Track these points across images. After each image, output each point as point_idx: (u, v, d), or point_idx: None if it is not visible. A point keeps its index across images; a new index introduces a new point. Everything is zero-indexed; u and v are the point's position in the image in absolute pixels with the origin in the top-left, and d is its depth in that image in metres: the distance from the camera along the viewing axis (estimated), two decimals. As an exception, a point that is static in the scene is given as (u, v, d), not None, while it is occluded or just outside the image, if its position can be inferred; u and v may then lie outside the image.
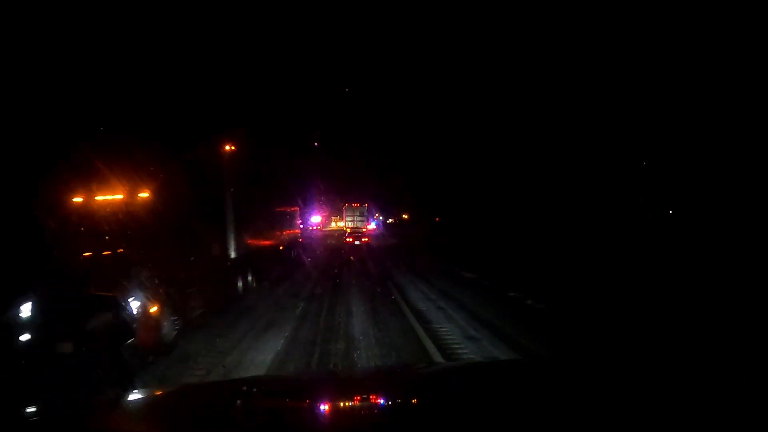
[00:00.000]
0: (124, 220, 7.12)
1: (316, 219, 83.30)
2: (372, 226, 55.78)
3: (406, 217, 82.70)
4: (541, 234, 25.89)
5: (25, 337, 5.11)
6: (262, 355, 7.05)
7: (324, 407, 1.98)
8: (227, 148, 11.44)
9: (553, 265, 15.34)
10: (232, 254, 11.33)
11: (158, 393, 2.66)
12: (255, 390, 2.38)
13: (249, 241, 12.80)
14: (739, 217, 16.31)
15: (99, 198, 7.20)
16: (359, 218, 46.91)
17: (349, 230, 42.47)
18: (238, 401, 2.10)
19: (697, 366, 2.63)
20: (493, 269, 16.70)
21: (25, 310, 5.17)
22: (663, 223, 23.40)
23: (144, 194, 7.70)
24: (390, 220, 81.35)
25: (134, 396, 2.45)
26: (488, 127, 36.12)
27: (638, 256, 15.64)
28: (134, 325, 6.40)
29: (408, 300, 11.61)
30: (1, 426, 1.54)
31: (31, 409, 2.20)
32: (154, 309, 6.92)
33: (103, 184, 7.12)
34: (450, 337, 8.15)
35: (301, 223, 25.86)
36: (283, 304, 11.26)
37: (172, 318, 7.50)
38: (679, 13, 21.34)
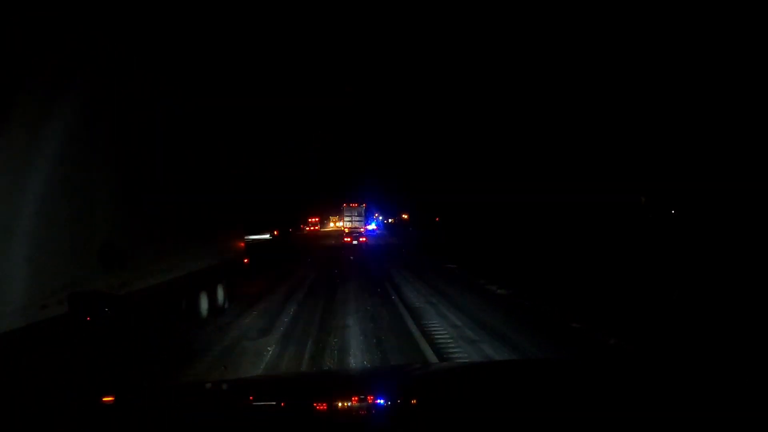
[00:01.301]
0: None
1: (313, 220, 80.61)
2: (372, 226, 54.59)
3: (405, 217, 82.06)
4: (548, 233, 24.97)
5: None
6: None
7: (322, 408, 1.95)
8: None
9: (582, 274, 13.28)
10: None
11: (156, 393, 2.46)
12: (253, 390, 2.32)
13: None
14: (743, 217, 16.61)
15: None
16: (357, 218, 46.96)
17: (347, 230, 42.48)
18: (237, 401, 2.02)
19: (701, 366, 2.44)
20: (521, 280, 13.30)
21: None
22: (665, 222, 23.99)
23: None
24: (390, 220, 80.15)
25: (132, 395, 2.23)
26: (488, 120, 35.12)
27: (643, 257, 15.15)
28: None
29: (434, 340, 7.57)
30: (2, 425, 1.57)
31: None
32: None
33: None
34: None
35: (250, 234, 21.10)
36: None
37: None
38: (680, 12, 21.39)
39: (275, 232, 56.00)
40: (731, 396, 1.74)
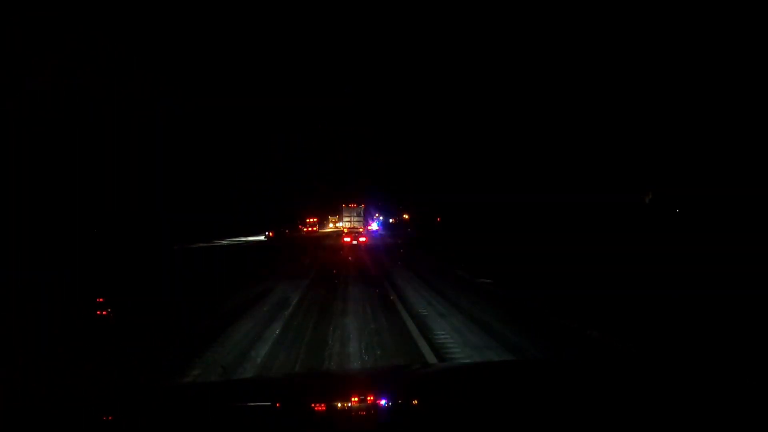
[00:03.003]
0: None
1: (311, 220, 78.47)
2: (374, 226, 52.89)
3: (406, 217, 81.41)
4: (557, 234, 23.61)
5: None
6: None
7: (321, 408, 1.92)
8: None
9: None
10: None
11: (156, 393, 2.55)
12: (252, 391, 2.32)
13: None
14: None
15: None
16: (356, 218, 46.94)
17: (346, 230, 42.46)
18: (236, 402, 1.97)
19: (700, 366, 2.50)
20: (601, 309, 9.11)
21: None
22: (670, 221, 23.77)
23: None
24: (391, 221, 78.82)
25: (132, 396, 2.34)
26: (495, 121, 35.95)
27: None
28: None
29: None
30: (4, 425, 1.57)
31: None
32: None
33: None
34: None
35: None
36: None
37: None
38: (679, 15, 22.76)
39: (270, 234, 53.29)
40: (730, 396, 1.73)
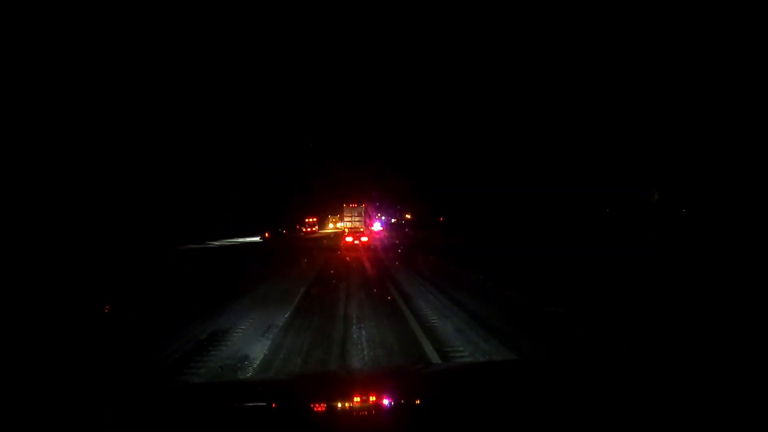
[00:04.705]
0: None
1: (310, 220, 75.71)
2: (378, 227, 50.82)
3: (408, 217, 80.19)
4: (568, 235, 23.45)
5: None
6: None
7: (321, 408, 1.91)
8: None
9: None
10: None
11: (157, 393, 2.54)
12: (254, 390, 2.29)
13: None
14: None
15: None
16: (357, 218, 46.94)
17: (347, 230, 42.76)
18: (238, 402, 1.94)
19: (700, 366, 2.37)
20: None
21: None
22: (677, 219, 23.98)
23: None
24: (393, 220, 76.85)
25: (133, 396, 2.30)
26: (497, 118, 35.53)
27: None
28: None
29: None
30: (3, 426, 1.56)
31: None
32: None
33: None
34: None
35: None
36: None
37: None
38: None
39: (266, 234, 50.30)
40: (729, 396, 1.71)
